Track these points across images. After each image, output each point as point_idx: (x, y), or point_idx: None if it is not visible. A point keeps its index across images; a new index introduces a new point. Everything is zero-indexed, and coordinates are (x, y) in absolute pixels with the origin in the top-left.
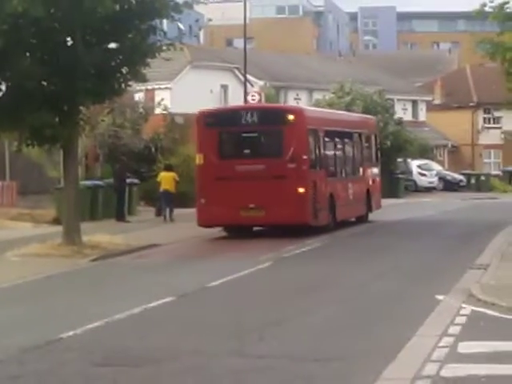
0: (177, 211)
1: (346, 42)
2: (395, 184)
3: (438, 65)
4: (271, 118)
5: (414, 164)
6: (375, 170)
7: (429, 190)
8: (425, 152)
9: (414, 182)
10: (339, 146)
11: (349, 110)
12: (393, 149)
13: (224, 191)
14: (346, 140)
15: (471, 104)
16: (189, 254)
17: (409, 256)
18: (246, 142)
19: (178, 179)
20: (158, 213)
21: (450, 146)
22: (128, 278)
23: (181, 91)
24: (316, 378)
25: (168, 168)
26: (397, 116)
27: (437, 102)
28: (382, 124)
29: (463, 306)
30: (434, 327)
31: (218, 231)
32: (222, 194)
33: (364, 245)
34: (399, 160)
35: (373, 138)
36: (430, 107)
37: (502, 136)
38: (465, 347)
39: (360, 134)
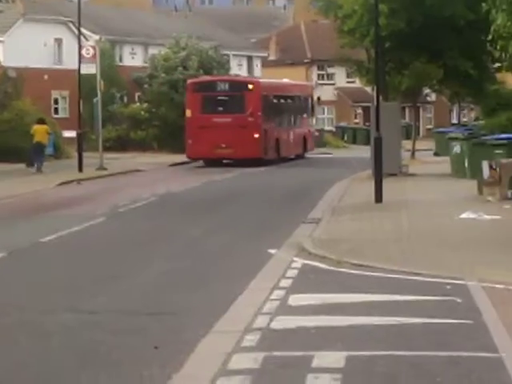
0: (13, 166)
1: None
2: None
3: (274, 21)
4: (237, 86)
5: None
6: (310, 123)
7: None
8: None
9: None
10: (284, 105)
11: (184, 66)
12: None
13: (204, 135)
14: (289, 101)
15: (305, 60)
16: (23, 210)
17: (242, 211)
18: (220, 102)
19: (50, 132)
20: (30, 164)
21: None
22: None
23: (13, 44)
24: (148, 331)
25: (41, 121)
26: (232, 72)
27: (272, 58)
28: None
29: (295, 259)
30: (265, 281)
31: (55, 185)
32: (203, 137)
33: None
34: None
35: (309, 99)
36: (265, 63)
37: (335, 92)
38: (295, 300)
39: (299, 97)
